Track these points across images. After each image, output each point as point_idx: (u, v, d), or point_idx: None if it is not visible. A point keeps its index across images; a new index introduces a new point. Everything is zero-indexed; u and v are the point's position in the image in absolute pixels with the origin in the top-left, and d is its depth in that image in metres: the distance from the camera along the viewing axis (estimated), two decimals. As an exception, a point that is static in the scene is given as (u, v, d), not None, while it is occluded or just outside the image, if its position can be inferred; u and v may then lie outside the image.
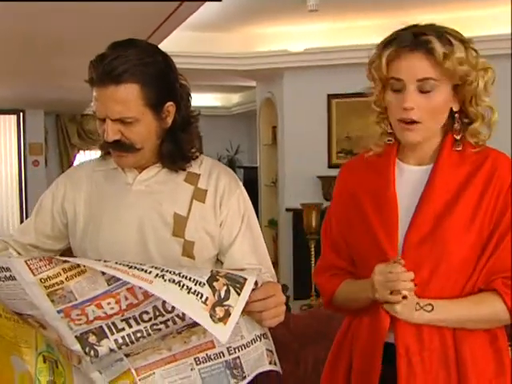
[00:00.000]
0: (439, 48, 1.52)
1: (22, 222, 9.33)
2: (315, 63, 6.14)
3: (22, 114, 10.51)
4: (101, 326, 1.42)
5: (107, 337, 1.44)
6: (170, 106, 1.71)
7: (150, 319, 1.43)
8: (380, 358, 1.65)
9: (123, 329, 1.44)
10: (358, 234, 1.73)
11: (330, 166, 6.46)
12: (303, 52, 6.05)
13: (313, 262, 3.62)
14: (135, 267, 1.35)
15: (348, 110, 6.17)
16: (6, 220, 10.41)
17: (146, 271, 1.34)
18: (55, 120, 11.05)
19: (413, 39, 1.56)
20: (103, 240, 1.77)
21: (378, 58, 1.62)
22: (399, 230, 1.64)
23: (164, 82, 1.69)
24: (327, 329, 2.85)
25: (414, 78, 1.57)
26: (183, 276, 1.35)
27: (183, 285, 1.33)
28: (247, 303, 1.44)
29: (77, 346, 1.44)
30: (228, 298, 1.36)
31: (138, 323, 1.44)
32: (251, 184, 8.20)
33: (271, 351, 1.59)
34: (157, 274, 1.33)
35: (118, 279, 1.35)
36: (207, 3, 4.99)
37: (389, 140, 1.71)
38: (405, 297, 1.56)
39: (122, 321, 1.42)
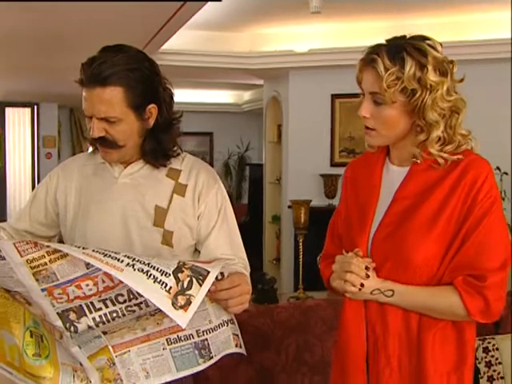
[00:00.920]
0: (380, 66, 1.63)
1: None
2: (319, 63, 6.20)
3: (36, 107, 10.63)
4: (80, 305, 1.56)
5: (86, 315, 1.57)
6: (152, 108, 1.85)
7: (125, 301, 1.57)
8: (361, 339, 1.74)
9: (100, 308, 1.57)
10: (344, 227, 1.87)
11: (333, 164, 6.53)
12: (308, 52, 6.13)
13: (301, 257, 3.76)
14: (109, 255, 1.47)
15: (351, 109, 6.24)
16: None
17: (118, 260, 1.47)
18: (69, 113, 11.15)
19: (367, 55, 1.68)
20: (90, 228, 1.91)
21: None
22: (373, 225, 1.76)
23: (147, 86, 1.82)
24: (309, 319, 2.99)
25: (368, 91, 1.70)
26: (151, 266, 1.48)
27: (150, 274, 1.46)
28: (214, 292, 1.59)
29: (58, 322, 1.58)
30: (190, 288, 1.48)
31: (113, 304, 1.57)
32: (257, 181, 8.32)
33: (237, 335, 1.75)
34: (128, 263, 1.46)
35: None
36: (215, 4, 5.14)
37: None
38: (362, 284, 1.68)
39: (99, 301, 1.56)
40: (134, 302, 1.57)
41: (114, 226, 1.90)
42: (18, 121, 10.73)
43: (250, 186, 9.78)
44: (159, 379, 1.69)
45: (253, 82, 8.12)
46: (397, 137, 1.73)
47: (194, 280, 1.50)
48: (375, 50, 1.67)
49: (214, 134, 11.70)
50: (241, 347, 1.75)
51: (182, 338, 1.68)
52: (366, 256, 1.74)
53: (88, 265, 1.49)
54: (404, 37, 1.70)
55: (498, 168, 5.14)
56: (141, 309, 1.59)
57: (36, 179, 10.51)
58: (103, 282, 1.53)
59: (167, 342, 1.68)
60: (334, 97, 6.46)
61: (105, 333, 1.63)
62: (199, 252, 1.97)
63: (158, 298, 1.45)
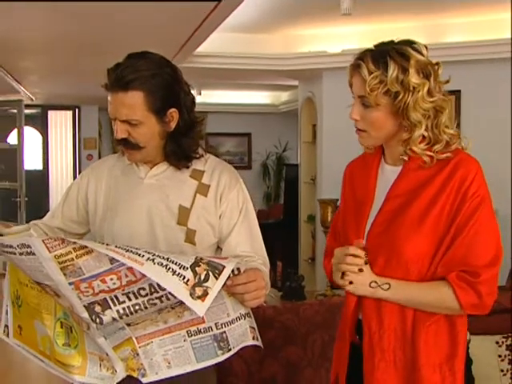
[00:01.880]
0: (364, 71, 1.71)
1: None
2: (352, 64, 6.24)
3: (77, 109, 10.84)
4: (105, 298, 1.65)
5: (110, 307, 1.66)
6: (173, 112, 1.94)
7: (147, 294, 1.66)
8: (350, 333, 1.83)
9: (124, 301, 1.66)
10: (342, 226, 1.95)
11: (367, 164, 6.54)
12: (341, 53, 6.16)
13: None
14: (131, 251, 1.58)
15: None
16: (62, 211, 10.74)
17: (139, 255, 1.57)
18: (109, 116, 11.32)
19: (354, 61, 1.77)
20: (118, 225, 2.02)
21: None
22: (368, 223, 1.83)
23: (168, 91, 1.92)
24: (334, 316, 3.04)
25: (356, 94, 1.78)
26: (170, 261, 1.58)
27: (169, 268, 1.56)
28: (231, 286, 1.68)
29: (85, 314, 1.67)
30: (207, 281, 1.58)
31: (136, 297, 1.66)
32: (292, 181, 8.35)
33: (254, 328, 1.82)
34: (148, 258, 1.57)
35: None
36: (248, 6, 5.22)
37: None
38: (351, 282, 1.75)
39: (122, 295, 1.65)
40: (155, 295, 1.65)
41: (140, 224, 2.00)
42: (60, 123, 10.95)
43: (286, 186, 9.82)
44: (180, 369, 1.78)
45: (289, 83, 8.17)
46: (386, 137, 1.80)
47: (211, 273, 1.59)
48: (361, 55, 1.76)
49: (252, 134, 11.75)
50: (257, 340, 1.82)
51: (202, 331, 1.77)
52: None
53: (112, 260, 1.58)
54: (392, 42, 1.78)
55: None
56: (162, 302, 1.67)
57: (78, 180, 10.67)
58: (126, 276, 1.61)
59: (188, 334, 1.77)
60: (367, 97, 6.46)
61: (128, 325, 1.72)
62: (221, 250, 2.05)
63: (177, 288, 1.55)
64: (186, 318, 1.75)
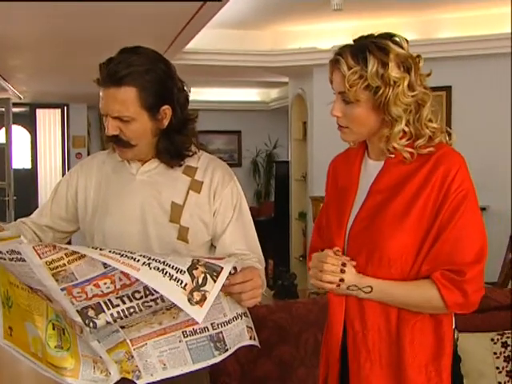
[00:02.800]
0: (343, 66, 1.69)
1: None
2: (343, 60, 6.21)
3: (66, 107, 10.78)
4: (98, 302, 1.61)
5: (104, 311, 1.62)
6: (166, 109, 1.90)
7: (142, 297, 1.62)
8: (338, 332, 1.80)
9: (118, 305, 1.62)
10: (325, 223, 1.92)
11: (358, 160, 6.53)
12: (331, 49, 6.11)
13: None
14: (126, 255, 1.53)
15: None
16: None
17: (134, 259, 1.52)
18: (98, 114, 11.11)
19: (333, 56, 1.75)
20: (109, 223, 1.98)
21: None
22: (350, 219, 1.80)
23: (161, 87, 1.88)
24: (327, 315, 3.02)
25: (337, 91, 1.76)
26: (167, 264, 1.53)
27: (166, 272, 1.51)
28: (227, 286, 1.64)
29: (78, 319, 1.64)
30: (205, 284, 1.54)
31: (130, 300, 1.62)
32: (283, 178, 8.34)
33: (251, 328, 1.79)
34: (144, 262, 1.52)
35: None
36: (238, 3, 5.19)
37: None
38: (340, 282, 1.71)
39: (116, 298, 1.61)
40: (150, 297, 1.62)
41: (132, 221, 1.96)
42: (49, 122, 10.90)
43: (276, 183, 9.80)
44: (176, 371, 1.75)
45: (279, 80, 8.15)
46: (369, 133, 1.78)
47: (209, 276, 1.55)
48: (340, 51, 1.74)
49: (242, 132, 11.73)
50: (255, 339, 1.79)
51: (198, 331, 1.73)
52: (343, 251, 1.77)
53: (105, 264, 1.54)
54: (371, 35, 1.75)
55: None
56: (157, 304, 1.64)
57: (66, 179, 10.63)
58: (120, 280, 1.58)
59: (183, 335, 1.73)
60: (358, 93, 6.44)
61: (122, 327, 1.69)
62: (215, 248, 2.02)
63: (175, 294, 1.50)
64: (181, 319, 1.72)
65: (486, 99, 5.87)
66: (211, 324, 1.74)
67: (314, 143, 6.79)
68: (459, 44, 5.63)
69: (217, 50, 6.40)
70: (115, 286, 1.58)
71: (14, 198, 8.61)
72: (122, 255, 1.52)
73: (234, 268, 1.67)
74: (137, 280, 1.56)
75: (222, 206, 1.99)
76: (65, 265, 1.54)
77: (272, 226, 8.41)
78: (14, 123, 9.12)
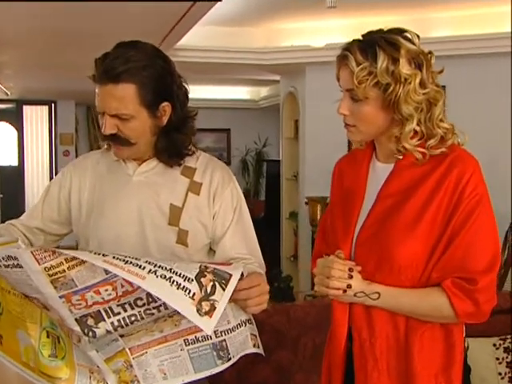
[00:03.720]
0: (352, 62, 1.61)
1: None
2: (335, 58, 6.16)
3: (53, 104, 10.69)
4: (98, 310, 1.54)
5: (104, 320, 1.55)
6: (165, 107, 1.82)
7: (144, 304, 1.55)
8: (342, 340, 1.73)
9: (119, 313, 1.55)
10: (331, 228, 1.85)
11: (350, 160, 6.48)
12: (324, 47, 6.08)
13: (317, 254, 3.72)
14: (131, 262, 1.45)
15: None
16: (37, 208, 10.61)
17: (140, 266, 1.44)
18: (86, 111, 11.18)
19: (341, 52, 1.67)
20: (104, 226, 1.90)
21: None
22: (358, 224, 1.73)
23: (161, 83, 1.80)
24: (326, 318, 2.95)
25: (344, 88, 1.68)
26: (174, 272, 1.45)
27: (173, 281, 1.44)
28: (233, 292, 1.55)
29: (77, 328, 1.56)
30: (214, 293, 1.47)
31: (132, 308, 1.55)
32: (274, 177, 8.28)
33: (255, 335, 1.72)
34: (150, 270, 1.44)
35: None
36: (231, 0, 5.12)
37: None
38: (347, 288, 1.64)
39: (118, 306, 1.54)
40: (152, 305, 1.55)
41: (129, 224, 1.88)
42: (36, 119, 10.80)
43: (267, 182, 9.75)
44: (177, 380, 1.67)
45: (269, 78, 8.10)
46: (377, 132, 1.71)
47: (217, 284, 1.49)
48: (348, 46, 1.66)
49: (231, 130, 11.68)
50: (258, 347, 1.73)
51: (200, 339, 1.66)
52: (350, 257, 1.71)
53: (107, 270, 1.47)
54: (380, 30, 1.68)
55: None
56: (159, 311, 1.57)
57: (54, 176, 10.51)
58: (122, 286, 1.51)
59: (185, 343, 1.66)
60: (351, 92, 6.39)
61: (122, 336, 1.62)
62: (214, 251, 1.95)
63: (183, 305, 1.43)
64: (183, 327, 1.64)
65: (481, 99, 5.83)
66: (214, 332, 1.66)
67: (306, 142, 6.73)
68: (453, 43, 5.58)
69: (209, 47, 6.31)
70: (117, 293, 1.51)
71: (1, 195, 8.51)
72: (127, 262, 1.45)
73: (241, 273, 1.60)
74: (139, 286, 1.48)
75: (221, 209, 1.92)
76: (64, 271, 1.46)
77: (262, 225, 8.34)
78: (0, 120, 9.00)
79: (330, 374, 1.83)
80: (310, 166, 6.65)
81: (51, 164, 10.77)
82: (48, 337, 1.68)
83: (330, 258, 1.69)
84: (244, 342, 1.70)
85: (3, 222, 2.05)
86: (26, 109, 10.79)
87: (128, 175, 1.92)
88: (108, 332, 1.57)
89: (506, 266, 4.91)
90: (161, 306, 1.55)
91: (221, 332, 1.67)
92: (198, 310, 1.43)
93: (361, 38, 1.69)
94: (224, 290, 1.48)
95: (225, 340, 1.67)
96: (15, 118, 11.07)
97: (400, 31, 1.68)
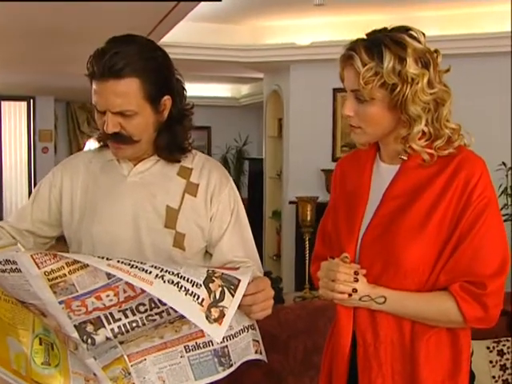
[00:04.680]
0: (357, 62, 1.57)
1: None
2: (321, 57, 6.09)
3: (32, 100, 10.58)
4: (98, 316, 1.48)
5: (104, 326, 1.49)
6: (166, 100, 1.77)
7: (146, 310, 1.49)
8: (346, 345, 1.69)
9: (120, 319, 1.49)
10: (333, 229, 1.80)
11: (334, 159, 6.44)
12: (310, 45, 6.04)
13: (307, 255, 3.69)
14: (136, 266, 1.39)
15: (353, 104, 6.18)
16: (15, 206, 10.48)
17: (146, 271, 1.38)
18: (65, 107, 11.08)
19: (345, 51, 1.62)
20: (98, 228, 1.83)
21: None
22: (362, 226, 1.69)
23: (162, 76, 1.75)
24: (317, 320, 2.92)
25: (349, 89, 1.64)
26: (181, 277, 1.40)
27: (181, 286, 1.39)
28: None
29: (75, 334, 1.50)
30: (223, 300, 1.42)
31: (134, 314, 1.49)
32: (257, 175, 8.23)
33: (258, 341, 1.68)
34: (156, 275, 1.38)
35: None
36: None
37: None
38: (353, 292, 1.61)
39: (119, 311, 1.48)
40: (155, 310, 1.50)
41: (124, 227, 1.82)
42: (14, 114, 10.70)
43: (249, 181, 9.70)
44: None
45: (251, 76, 8.05)
46: (383, 133, 1.68)
47: (226, 290, 1.44)
48: (353, 45, 1.62)
49: (211, 128, 11.62)
50: (261, 353, 1.68)
51: (201, 345, 1.61)
52: (354, 260, 1.67)
53: (109, 275, 1.41)
54: (385, 29, 1.65)
55: (503, 163, 5.08)
56: (161, 317, 1.52)
57: (32, 173, 10.46)
58: (124, 292, 1.45)
59: (185, 350, 1.61)
60: (336, 91, 6.37)
61: (121, 342, 1.56)
62: (210, 255, 1.90)
63: (192, 311, 1.39)
64: (184, 333, 1.59)
65: (473, 99, 5.82)
66: None
67: (290, 141, 6.70)
68: (442, 42, 5.56)
69: (192, 43, 6.24)
70: (118, 299, 1.45)
71: (-22, 192, 8.37)
72: (132, 266, 1.39)
73: None
74: (142, 291, 1.44)
75: (219, 211, 1.87)
76: (65, 275, 1.40)
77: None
78: (-23, 116, 8.87)
79: (330, 378, 1.78)
80: (294, 165, 6.62)
81: (30, 161, 10.65)
82: (41, 344, 1.62)
83: (335, 262, 1.65)
84: (246, 348, 1.65)
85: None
86: (4, 105, 10.67)
87: (122, 176, 1.86)
88: (107, 339, 1.51)
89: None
90: (163, 311, 1.49)
91: (223, 338, 1.61)
92: (207, 317, 1.39)
93: (365, 37, 1.65)
94: (233, 295, 1.44)
95: (227, 346, 1.62)
96: (-7, 114, 10.93)
97: (405, 29, 1.63)
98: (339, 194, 1.83)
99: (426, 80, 1.58)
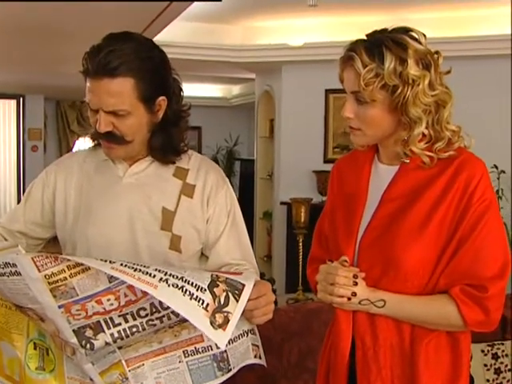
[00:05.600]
0: (358, 63, 1.56)
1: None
2: (314, 58, 6.10)
3: (21, 98, 10.49)
4: (98, 321, 1.45)
5: (103, 331, 1.47)
6: (161, 101, 1.74)
7: (147, 315, 1.47)
8: (346, 349, 1.67)
9: (119, 324, 1.47)
10: (331, 231, 1.79)
11: (326, 160, 6.44)
12: (302, 46, 6.03)
13: (301, 256, 3.67)
14: (140, 270, 1.37)
15: (345, 105, 6.18)
16: (4, 205, 10.41)
17: (150, 275, 1.36)
18: (55, 106, 11.00)
19: (345, 52, 1.60)
20: (93, 231, 1.80)
21: None
22: (360, 228, 1.67)
23: (158, 77, 1.72)
24: (311, 323, 2.90)
25: (349, 90, 1.62)
26: (186, 280, 1.38)
27: (186, 290, 1.36)
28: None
29: (74, 340, 1.47)
30: (227, 305, 1.40)
31: (134, 319, 1.47)
32: (248, 176, 8.21)
33: (257, 345, 1.66)
34: (161, 278, 1.36)
35: None
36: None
37: None
38: (352, 295, 1.60)
39: (119, 316, 1.46)
40: (156, 315, 1.47)
41: (120, 229, 1.79)
42: (3, 113, 10.58)
43: (240, 182, 9.69)
44: None
45: (242, 76, 8.04)
46: (383, 135, 1.66)
47: (231, 295, 1.42)
48: (353, 46, 1.60)
49: (202, 128, 11.58)
50: (260, 358, 1.66)
51: (200, 350, 1.59)
52: (353, 263, 1.66)
53: (111, 278, 1.39)
54: (385, 30, 1.63)
55: (495, 166, 5.09)
56: (162, 322, 1.50)
57: (21, 172, 10.38)
58: (125, 296, 1.43)
59: (184, 355, 1.59)
60: (328, 92, 6.37)
61: (120, 347, 1.54)
62: (206, 257, 1.87)
63: (197, 316, 1.36)
64: (183, 338, 1.57)
65: (467, 101, 5.82)
66: (215, 343, 1.57)
67: (282, 141, 6.69)
68: (436, 45, 5.57)
69: (184, 43, 6.21)
70: (119, 303, 1.43)
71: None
72: (136, 269, 1.36)
73: None
74: (144, 295, 1.41)
75: (215, 213, 1.84)
76: (66, 278, 1.38)
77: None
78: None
79: (327, 382, 1.76)
80: (285, 166, 6.61)
81: (19, 159, 10.55)
82: (35, 348, 1.59)
83: (333, 265, 1.63)
84: (245, 353, 1.63)
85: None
86: (-6, 103, 10.56)
87: (118, 177, 1.83)
88: (107, 344, 1.49)
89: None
90: (164, 316, 1.47)
91: None
92: (211, 323, 1.36)
93: (365, 37, 1.63)
94: (237, 300, 1.42)
95: (226, 351, 1.60)
96: (-19, 112, 10.84)
97: (405, 30, 1.62)
98: (337, 195, 1.82)
99: (426, 82, 1.57)
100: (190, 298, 1.36)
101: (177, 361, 1.58)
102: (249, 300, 1.48)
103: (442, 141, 1.61)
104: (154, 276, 1.36)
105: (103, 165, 1.86)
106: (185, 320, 1.46)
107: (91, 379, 1.57)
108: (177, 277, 1.38)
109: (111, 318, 1.45)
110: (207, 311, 1.36)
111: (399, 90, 1.56)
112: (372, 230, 1.65)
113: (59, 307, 1.41)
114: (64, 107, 10.92)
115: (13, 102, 10.53)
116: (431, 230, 1.57)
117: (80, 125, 10.87)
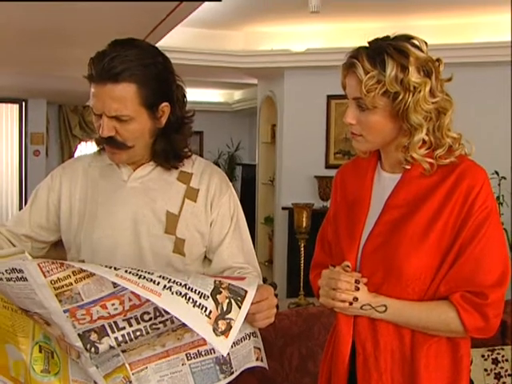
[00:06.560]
0: (360, 70, 1.58)
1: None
2: (316, 64, 6.13)
3: (24, 103, 10.48)
4: (103, 325, 1.47)
5: (108, 335, 1.48)
6: (164, 107, 1.76)
7: (150, 319, 1.48)
8: (346, 354, 1.69)
9: (124, 327, 1.48)
10: (333, 237, 1.80)
11: (328, 166, 6.47)
12: (304, 52, 6.06)
13: (302, 262, 3.68)
14: (144, 277, 1.38)
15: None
16: (6, 209, 10.41)
17: (154, 282, 1.37)
18: (57, 110, 10.99)
19: (348, 59, 1.62)
20: (98, 234, 1.82)
21: None
22: (363, 236, 1.69)
23: (161, 83, 1.74)
24: (312, 327, 2.91)
25: (351, 96, 1.64)
26: (189, 288, 1.39)
27: (189, 297, 1.38)
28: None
29: (79, 343, 1.48)
30: (230, 312, 1.41)
31: (138, 322, 1.48)
32: (249, 181, 8.22)
33: (259, 348, 1.67)
34: (164, 286, 1.37)
35: None
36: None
37: None
38: (354, 300, 1.62)
39: (123, 320, 1.47)
40: (159, 319, 1.49)
41: (124, 232, 1.81)
42: (6, 117, 10.58)
43: (242, 187, 9.70)
44: None
45: (244, 81, 8.05)
46: (384, 142, 1.68)
47: (233, 302, 1.43)
48: (355, 53, 1.62)
49: (203, 133, 11.59)
50: (262, 361, 1.67)
51: (203, 353, 1.61)
52: (355, 268, 1.67)
53: (116, 283, 1.40)
54: (387, 37, 1.65)
55: (496, 172, 5.10)
56: (165, 326, 1.51)
57: (23, 176, 10.38)
58: (130, 300, 1.44)
59: (187, 358, 1.60)
60: (330, 98, 6.39)
61: (123, 351, 1.55)
62: (209, 260, 1.89)
63: (200, 324, 1.37)
64: (186, 341, 1.58)
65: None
66: None
67: (284, 147, 6.70)
68: (436, 51, 5.59)
69: (187, 48, 6.24)
70: (123, 308, 1.44)
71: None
72: (140, 277, 1.38)
73: None
74: (148, 300, 1.42)
75: (219, 217, 1.86)
76: (71, 284, 1.39)
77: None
78: (-32, 118, 8.81)
79: None
80: (287, 171, 6.63)
81: (21, 163, 10.53)
82: (40, 351, 1.61)
83: (336, 270, 1.65)
84: (247, 356, 1.64)
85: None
86: (-4, 107, 10.58)
87: (122, 181, 1.85)
88: (111, 347, 1.50)
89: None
90: (167, 320, 1.48)
91: None
92: (214, 330, 1.38)
93: (367, 44, 1.65)
94: (240, 307, 1.43)
95: (228, 354, 1.61)
96: (-16, 117, 10.85)
97: (407, 38, 1.64)
98: (340, 201, 1.83)
99: (427, 89, 1.59)
100: (193, 306, 1.37)
101: (180, 364, 1.59)
102: (251, 304, 1.50)
103: (443, 147, 1.63)
104: (158, 283, 1.37)
105: (108, 169, 1.88)
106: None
107: (95, 382, 1.59)
108: (180, 284, 1.39)
109: (115, 322, 1.47)
110: (210, 318, 1.37)
111: (400, 97, 1.58)
112: (375, 237, 1.66)
113: (64, 312, 1.42)
114: (66, 111, 10.92)
115: (15, 107, 10.53)
116: (433, 238, 1.59)
117: (82, 129, 10.89)
